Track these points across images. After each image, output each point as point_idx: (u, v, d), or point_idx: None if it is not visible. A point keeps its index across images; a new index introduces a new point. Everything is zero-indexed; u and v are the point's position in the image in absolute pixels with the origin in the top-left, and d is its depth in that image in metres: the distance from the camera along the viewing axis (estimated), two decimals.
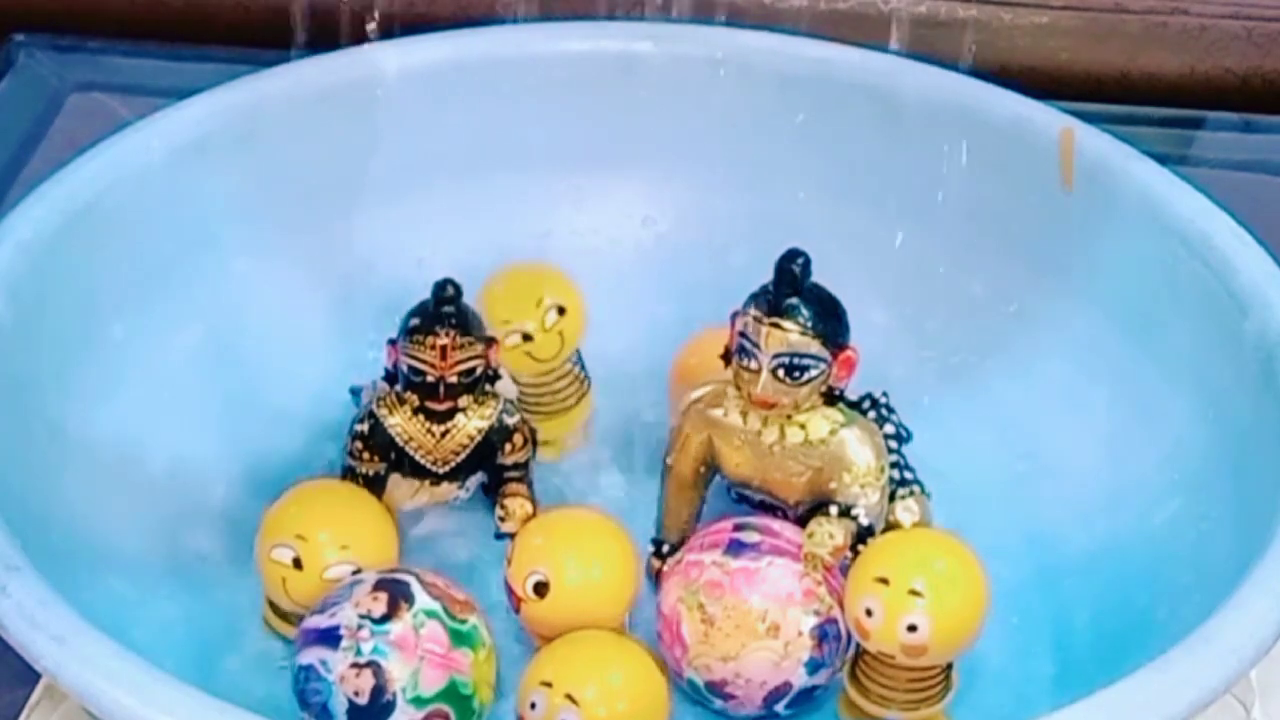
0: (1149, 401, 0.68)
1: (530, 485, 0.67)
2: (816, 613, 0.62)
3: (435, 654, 0.60)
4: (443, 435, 0.66)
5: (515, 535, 0.65)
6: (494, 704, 0.62)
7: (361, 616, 0.60)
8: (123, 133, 0.70)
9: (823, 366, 0.63)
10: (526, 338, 0.70)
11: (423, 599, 0.61)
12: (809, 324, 0.62)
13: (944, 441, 0.69)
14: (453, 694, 0.60)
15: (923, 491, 0.66)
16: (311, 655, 0.60)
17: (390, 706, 0.59)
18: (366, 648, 0.60)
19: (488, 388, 0.67)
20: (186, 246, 0.71)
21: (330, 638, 0.60)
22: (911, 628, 0.60)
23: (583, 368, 0.73)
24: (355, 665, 0.60)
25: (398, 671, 0.60)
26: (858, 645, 0.62)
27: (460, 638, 0.61)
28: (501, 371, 0.68)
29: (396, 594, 0.61)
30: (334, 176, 0.74)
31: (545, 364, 0.71)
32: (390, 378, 0.67)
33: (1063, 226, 0.71)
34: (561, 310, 0.71)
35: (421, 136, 0.75)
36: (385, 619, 0.60)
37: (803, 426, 0.64)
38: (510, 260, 0.72)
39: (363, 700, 0.59)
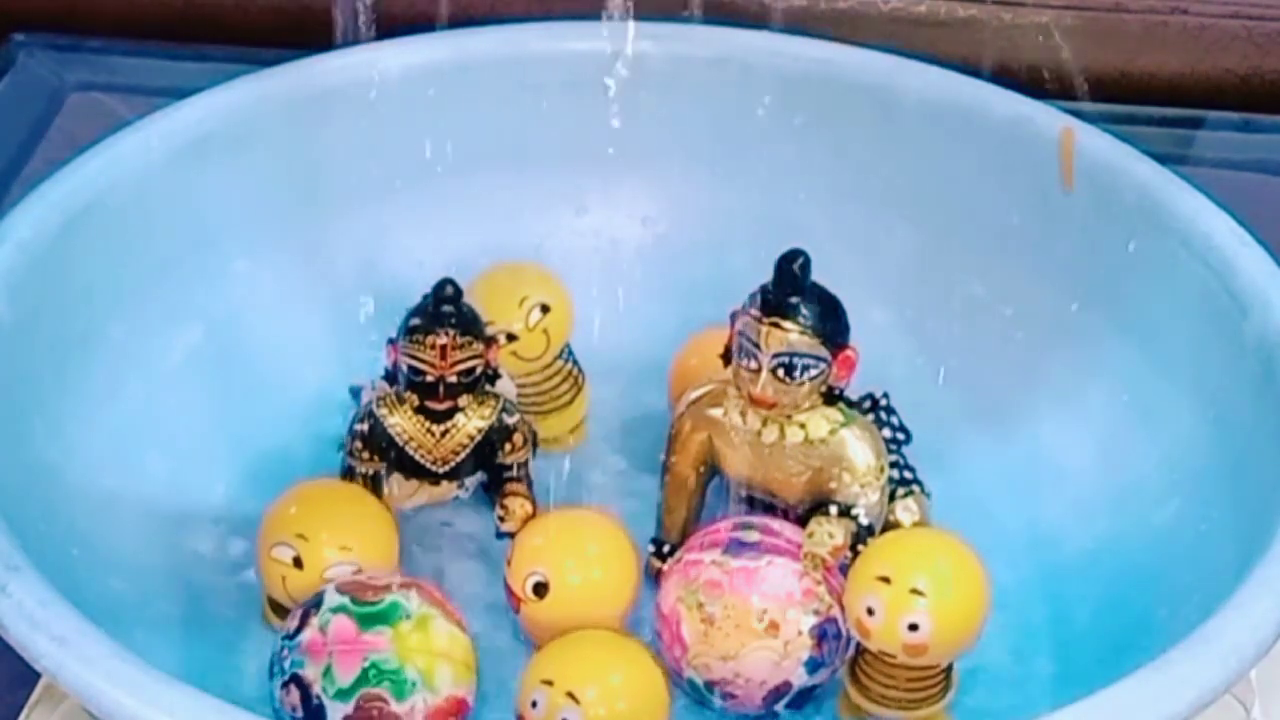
0: (1149, 401, 0.68)
1: (530, 485, 0.67)
2: (816, 612, 0.62)
3: (344, 645, 0.60)
4: (443, 435, 0.66)
5: (515, 535, 0.65)
6: (478, 682, 0.62)
7: (281, 639, 0.61)
8: (123, 133, 0.70)
9: (822, 366, 0.63)
10: (511, 338, 0.70)
11: (330, 599, 0.61)
12: (809, 323, 0.62)
13: (944, 441, 0.69)
14: (375, 674, 0.60)
15: (923, 491, 0.66)
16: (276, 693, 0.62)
17: (321, 709, 0.60)
18: (287, 665, 0.61)
19: (488, 387, 0.67)
20: (186, 246, 0.71)
21: (272, 672, 0.62)
22: (913, 626, 0.60)
23: (575, 363, 0.73)
24: (284, 685, 0.61)
25: (312, 674, 0.60)
26: (858, 644, 0.62)
27: (370, 620, 0.61)
28: (501, 371, 0.68)
29: (307, 607, 0.62)
30: (334, 176, 0.74)
31: (533, 362, 0.71)
32: (390, 378, 0.67)
33: (1063, 226, 0.71)
34: (545, 308, 0.71)
35: (421, 136, 0.75)
36: (296, 632, 0.61)
37: (803, 426, 0.64)
38: (510, 260, 0.72)
39: (300, 714, 0.60)
